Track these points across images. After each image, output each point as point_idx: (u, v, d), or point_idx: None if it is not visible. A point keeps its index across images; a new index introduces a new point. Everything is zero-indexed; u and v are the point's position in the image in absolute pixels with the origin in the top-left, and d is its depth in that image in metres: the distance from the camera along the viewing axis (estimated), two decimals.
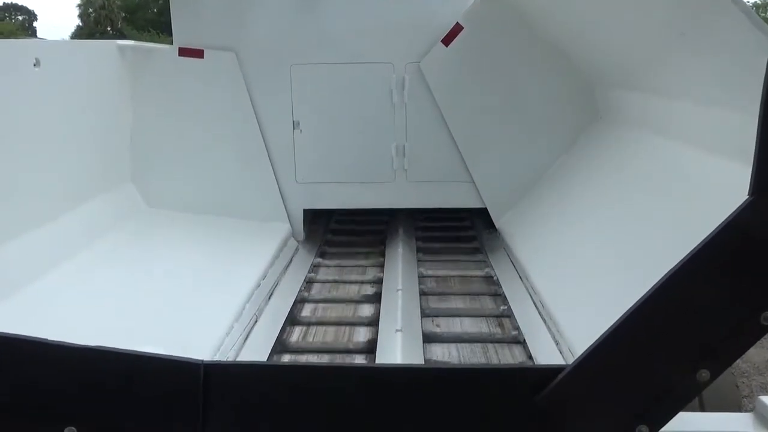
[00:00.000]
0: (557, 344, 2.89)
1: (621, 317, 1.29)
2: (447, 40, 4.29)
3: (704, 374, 1.29)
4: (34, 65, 3.22)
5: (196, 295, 3.18)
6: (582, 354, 1.32)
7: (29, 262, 2.95)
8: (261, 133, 4.38)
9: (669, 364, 1.31)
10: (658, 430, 1.31)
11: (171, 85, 4.32)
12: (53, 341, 1.35)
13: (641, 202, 3.10)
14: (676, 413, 1.32)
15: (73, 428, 1.35)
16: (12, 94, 3.05)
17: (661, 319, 1.30)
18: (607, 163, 3.80)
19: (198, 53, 4.31)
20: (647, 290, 1.29)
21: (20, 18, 41.77)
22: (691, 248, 1.28)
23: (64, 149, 3.51)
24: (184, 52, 4.33)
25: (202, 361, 1.34)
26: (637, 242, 2.87)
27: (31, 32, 38.94)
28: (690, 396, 1.32)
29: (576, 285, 3.11)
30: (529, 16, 4.20)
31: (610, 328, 1.30)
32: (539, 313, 3.24)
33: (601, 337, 1.30)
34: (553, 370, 1.34)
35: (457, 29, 4.29)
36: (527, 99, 4.35)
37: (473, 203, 4.58)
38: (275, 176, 4.45)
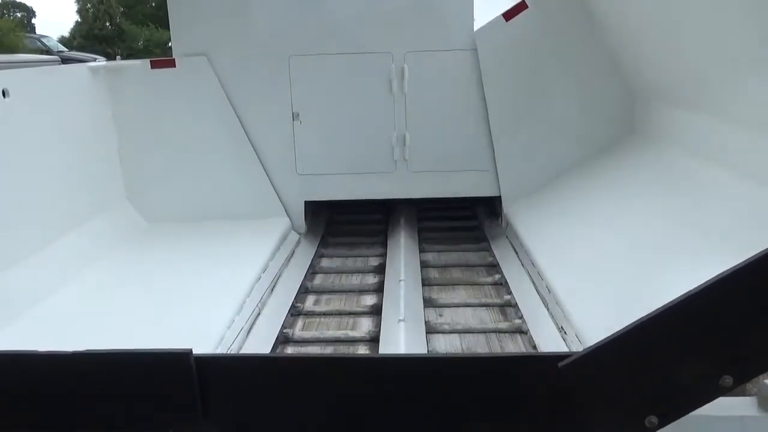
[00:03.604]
0: (561, 329, 2.90)
1: (657, 309, 1.28)
2: (508, 16, 4.23)
3: (727, 380, 1.28)
4: (3, 96, 3.22)
5: (197, 294, 3.20)
6: (609, 337, 1.30)
7: (32, 284, 3.03)
8: (245, 130, 4.37)
9: (694, 365, 1.30)
10: (668, 424, 1.31)
11: (149, 98, 4.32)
12: (42, 352, 1.35)
13: (664, 214, 3.11)
14: (690, 412, 1.31)
15: None
16: None
17: (696, 320, 1.29)
18: (634, 174, 3.79)
19: (170, 63, 4.31)
20: (689, 290, 1.27)
21: (18, 15, 41.69)
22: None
23: (53, 177, 3.55)
24: (156, 64, 4.35)
25: (190, 350, 1.34)
26: (650, 247, 2.90)
27: (30, 29, 38.82)
28: (707, 399, 1.31)
29: (583, 273, 3.11)
30: (593, 11, 4.15)
31: (643, 317, 1.28)
32: (543, 298, 3.25)
33: (632, 324, 1.29)
34: (561, 358, 1.33)
35: (521, 6, 4.23)
36: (569, 94, 4.30)
37: (474, 192, 4.57)
38: (276, 168, 4.45)
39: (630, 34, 3.92)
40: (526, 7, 4.22)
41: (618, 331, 1.29)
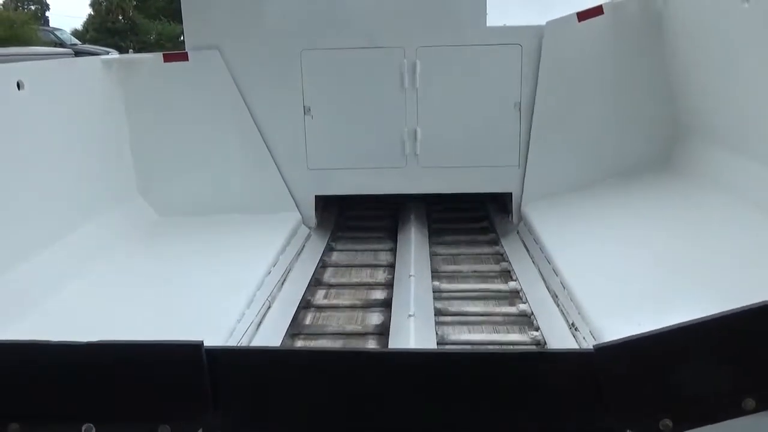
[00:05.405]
0: (572, 326, 2.90)
1: (699, 318, 1.29)
2: (582, 17, 4.22)
3: (749, 403, 1.28)
4: (18, 88, 3.24)
5: (208, 287, 3.21)
6: (647, 332, 1.31)
7: (46, 276, 3.05)
8: (257, 124, 4.37)
9: (720, 381, 1.31)
10: (681, 431, 1.31)
11: (161, 92, 4.32)
12: (56, 342, 1.36)
13: (690, 239, 3.21)
14: (705, 425, 1.32)
15: (90, 425, 1.36)
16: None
17: (732, 339, 1.29)
18: (664, 199, 3.84)
19: (183, 56, 4.31)
20: (733, 308, 1.28)
21: (32, 8, 41.89)
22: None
23: (65, 169, 3.56)
24: (168, 57, 4.35)
25: (202, 342, 1.35)
26: (672, 265, 3.00)
27: (44, 22, 39.02)
28: (727, 417, 1.31)
29: (599, 274, 3.12)
30: (664, 38, 4.15)
31: (684, 323, 1.29)
32: (554, 295, 3.25)
33: (671, 326, 1.29)
34: (576, 355, 1.34)
35: (597, 11, 4.22)
36: (617, 109, 4.29)
37: (485, 188, 4.56)
38: (286, 163, 4.45)
39: (693, 70, 3.95)
40: (602, 13, 4.21)
41: (657, 329, 1.30)
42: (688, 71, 4.03)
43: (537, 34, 4.25)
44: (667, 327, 1.29)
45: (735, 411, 1.30)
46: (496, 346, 2.99)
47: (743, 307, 1.26)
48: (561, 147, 4.33)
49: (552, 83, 4.27)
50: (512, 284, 3.62)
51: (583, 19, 4.21)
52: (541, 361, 1.39)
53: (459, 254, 4.14)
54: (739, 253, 2.90)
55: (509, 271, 3.79)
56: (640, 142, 4.29)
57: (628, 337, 1.31)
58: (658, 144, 4.25)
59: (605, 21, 4.22)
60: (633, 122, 4.28)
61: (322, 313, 3.42)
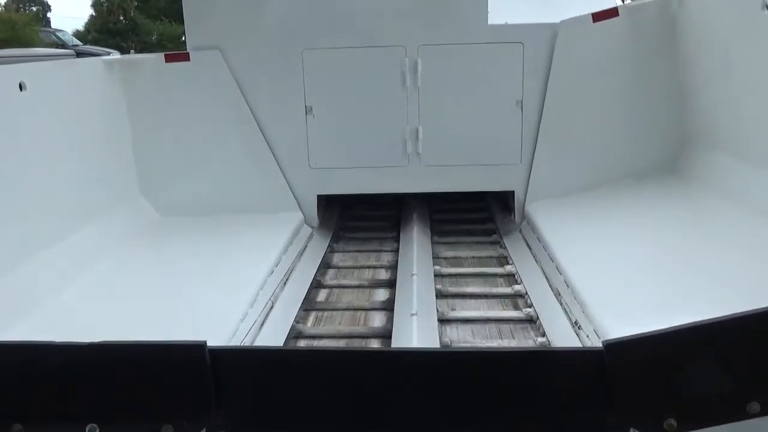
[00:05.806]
0: (576, 324, 2.89)
1: (710, 319, 1.29)
2: (597, 18, 4.20)
3: (754, 407, 1.28)
4: (20, 89, 3.24)
5: (211, 287, 3.21)
6: (658, 330, 1.31)
7: (48, 277, 3.05)
8: (258, 124, 4.37)
9: (726, 383, 1.31)
10: (685, 431, 1.30)
11: (163, 92, 4.31)
12: (59, 342, 1.36)
13: (696, 241, 3.27)
14: (710, 426, 1.31)
15: (94, 425, 1.36)
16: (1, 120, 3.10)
17: (743, 341, 1.29)
18: (671, 202, 3.87)
19: (184, 57, 4.30)
20: (737, 311, 1.28)
21: (34, 9, 41.94)
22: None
23: (68, 170, 3.56)
24: (170, 57, 4.34)
25: (205, 342, 1.35)
26: (677, 266, 3.05)
27: (45, 23, 39.08)
28: (731, 419, 1.31)
29: (604, 273, 3.12)
30: (678, 44, 4.15)
31: (696, 322, 1.29)
32: (557, 293, 3.25)
33: (682, 325, 1.30)
34: (584, 353, 1.33)
35: (612, 12, 4.21)
36: (626, 113, 4.29)
37: (488, 186, 4.56)
38: (288, 162, 4.45)
39: (705, 76, 3.95)
40: (617, 15, 4.20)
41: (666, 328, 1.30)
42: (700, 77, 4.03)
43: (539, 32, 4.24)
44: (675, 327, 1.28)
45: (740, 414, 1.29)
46: (499, 345, 2.99)
47: (753, 310, 1.26)
48: (568, 147, 4.32)
49: (563, 82, 4.25)
50: (509, 268, 3.76)
51: (598, 20, 4.19)
52: (549, 360, 1.39)
53: (460, 246, 4.18)
54: (743, 256, 2.91)
55: (506, 257, 3.92)
56: (648, 146, 4.29)
57: (638, 334, 1.30)
58: (666, 148, 4.25)
59: (621, 23, 4.21)
60: (642, 125, 4.28)
61: (325, 312, 3.42)
